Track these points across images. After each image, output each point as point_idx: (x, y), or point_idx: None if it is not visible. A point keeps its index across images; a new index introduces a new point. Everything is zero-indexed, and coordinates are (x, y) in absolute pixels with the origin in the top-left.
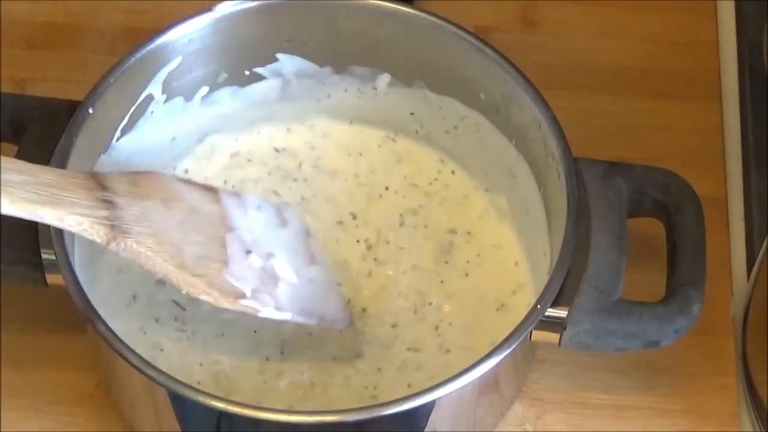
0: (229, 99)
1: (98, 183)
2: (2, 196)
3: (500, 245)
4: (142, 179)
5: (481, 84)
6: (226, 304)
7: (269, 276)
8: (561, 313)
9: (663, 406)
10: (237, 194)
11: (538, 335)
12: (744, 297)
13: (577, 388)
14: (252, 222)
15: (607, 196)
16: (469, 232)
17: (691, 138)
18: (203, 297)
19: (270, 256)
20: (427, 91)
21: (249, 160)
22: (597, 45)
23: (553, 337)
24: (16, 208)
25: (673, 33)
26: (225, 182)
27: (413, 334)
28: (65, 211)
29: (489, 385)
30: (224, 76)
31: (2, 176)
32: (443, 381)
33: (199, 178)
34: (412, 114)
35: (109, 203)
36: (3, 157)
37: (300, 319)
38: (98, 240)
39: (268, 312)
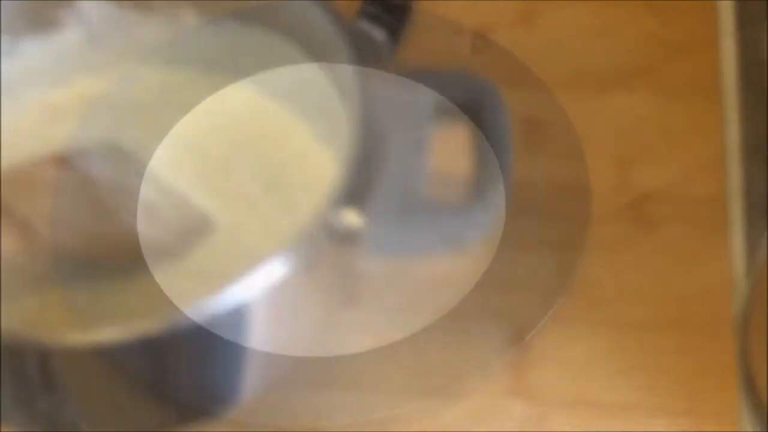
0: (35, 50)
1: None
2: None
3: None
4: None
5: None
6: None
7: None
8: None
9: (663, 406)
10: None
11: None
12: (744, 297)
13: (577, 388)
14: None
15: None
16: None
17: (691, 138)
18: None
19: None
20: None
21: (65, 113)
22: (597, 45)
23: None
24: None
25: (673, 33)
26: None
27: None
28: None
29: None
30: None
31: None
32: None
33: (15, 136)
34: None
35: None
36: None
37: None
38: None
39: None
